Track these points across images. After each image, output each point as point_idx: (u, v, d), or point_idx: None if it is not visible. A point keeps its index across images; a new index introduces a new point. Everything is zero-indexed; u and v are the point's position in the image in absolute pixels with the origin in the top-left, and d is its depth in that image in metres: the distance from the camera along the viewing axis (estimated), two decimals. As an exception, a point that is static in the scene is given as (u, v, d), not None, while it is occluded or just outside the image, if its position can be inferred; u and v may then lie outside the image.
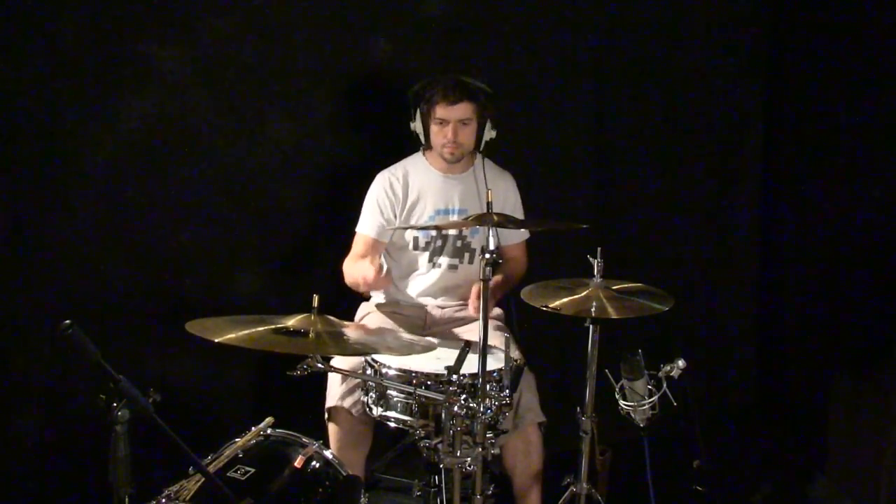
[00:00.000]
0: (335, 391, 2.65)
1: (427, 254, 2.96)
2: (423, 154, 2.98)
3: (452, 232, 2.93)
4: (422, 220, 2.92)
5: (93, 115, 2.93)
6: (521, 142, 3.47)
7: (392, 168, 2.97)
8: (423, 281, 2.98)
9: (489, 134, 2.89)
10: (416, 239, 2.95)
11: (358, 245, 2.94)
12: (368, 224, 2.92)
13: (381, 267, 2.65)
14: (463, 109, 2.80)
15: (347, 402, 2.61)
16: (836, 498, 3.22)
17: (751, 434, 3.82)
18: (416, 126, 2.89)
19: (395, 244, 2.97)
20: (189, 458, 1.78)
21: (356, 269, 2.83)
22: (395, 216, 2.92)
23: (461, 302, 2.98)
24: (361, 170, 3.04)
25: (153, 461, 1.92)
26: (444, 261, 2.95)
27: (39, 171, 2.90)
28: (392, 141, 3.09)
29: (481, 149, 2.92)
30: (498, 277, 2.92)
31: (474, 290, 2.85)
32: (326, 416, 2.67)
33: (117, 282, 3.04)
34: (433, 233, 2.92)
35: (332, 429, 2.66)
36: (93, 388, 1.63)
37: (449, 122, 2.81)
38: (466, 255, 2.96)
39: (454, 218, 2.92)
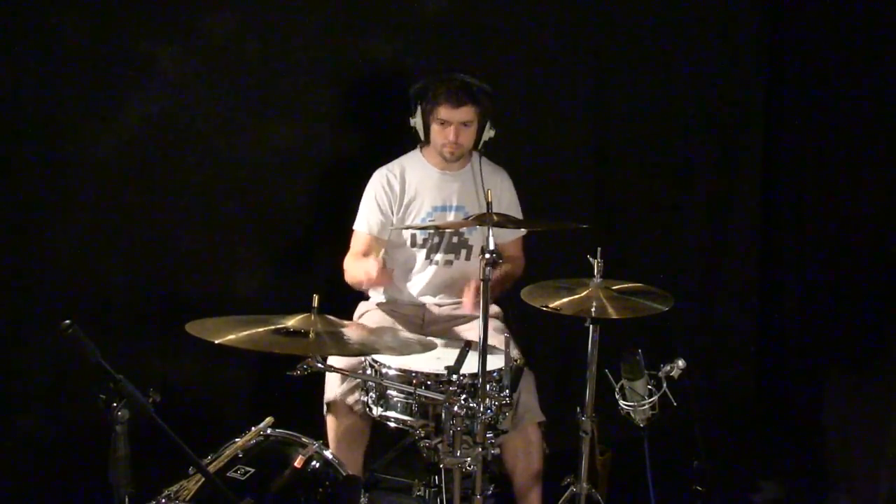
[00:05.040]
0: (334, 385, 2.66)
1: (424, 251, 2.95)
2: (421, 151, 2.98)
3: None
4: (419, 218, 2.91)
5: (93, 114, 2.93)
6: (521, 141, 3.47)
7: (389, 165, 2.97)
8: (421, 278, 2.98)
9: (488, 133, 2.90)
10: (413, 236, 2.95)
11: (357, 243, 2.93)
12: (367, 221, 2.92)
13: (384, 262, 2.65)
14: (466, 112, 2.80)
15: (349, 401, 2.62)
16: (836, 498, 3.22)
17: (751, 434, 3.81)
18: (416, 122, 2.89)
19: (392, 242, 2.97)
20: (189, 458, 1.78)
21: (358, 266, 2.82)
22: (393, 213, 2.92)
23: (458, 299, 2.97)
24: (362, 169, 3.03)
25: (153, 461, 1.92)
26: (439, 257, 2.95)
27: (39, 171, 2.90)
28: (392, 140, 3.08)
29: (479, 147, 2.93)
30: (497, 273, 2.90)
31: (471, 286, 2.82)
32: (325, 409, 2.67)
33: (117, 282, 3.04)
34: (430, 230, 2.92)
35: (330, 423, 2.66)
36: (93, 388, 1.63)
37: (451, 123, 2.81)
38: (463, 252, 2.95)
39: (451, 215, 2.92)
